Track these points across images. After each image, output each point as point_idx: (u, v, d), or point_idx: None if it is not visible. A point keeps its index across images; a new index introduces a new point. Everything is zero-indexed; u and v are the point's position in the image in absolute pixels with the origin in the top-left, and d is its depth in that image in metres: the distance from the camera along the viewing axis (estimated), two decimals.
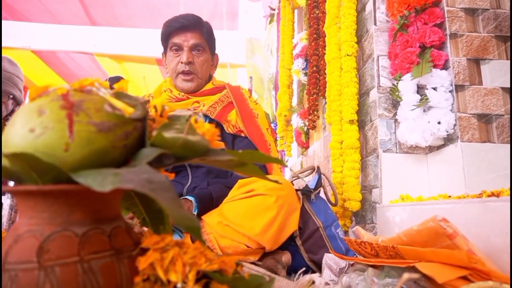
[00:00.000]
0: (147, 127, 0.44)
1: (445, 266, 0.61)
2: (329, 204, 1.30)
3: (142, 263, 0.39)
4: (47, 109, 0.38)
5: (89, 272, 0.36)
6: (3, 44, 3.67)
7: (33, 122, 0.37)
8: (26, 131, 0.37)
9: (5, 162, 0.37)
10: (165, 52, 1.36)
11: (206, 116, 1.30)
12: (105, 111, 0.39)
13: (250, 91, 3.78)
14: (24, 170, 0.36)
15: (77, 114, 0.38)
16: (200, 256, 0.43)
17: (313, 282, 0.72)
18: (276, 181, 0.57)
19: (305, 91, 2.40)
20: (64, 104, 0.38)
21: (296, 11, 2.93)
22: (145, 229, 0.55)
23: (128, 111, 0.40)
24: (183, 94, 1.32)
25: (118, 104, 0.40)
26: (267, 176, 0.55)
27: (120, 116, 0.40)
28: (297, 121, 2.56)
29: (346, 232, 1.52)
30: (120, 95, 0.43)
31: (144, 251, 0.42)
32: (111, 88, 0.46)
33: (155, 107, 0.49)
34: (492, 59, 1.24)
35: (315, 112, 2.19)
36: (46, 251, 0.35)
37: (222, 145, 0.48)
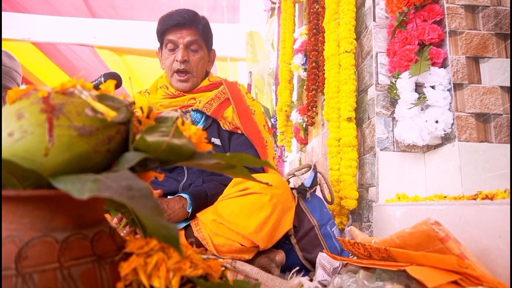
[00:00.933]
0: (131, 131, 0.43)
1: (435, 270, 0.60)
2: (325, 203, 1.29)
3: (125, 268, 0.39)
4: (26, 113, 0.37)
5: (69, 278, 0.36)
6: (2, 36, 3.66)
7: (12, 126, 0.36)
8: (5, 135, 0.36)
9: None
10: (161, 48, 1.34)
11: (202, 113, 1.29)
12: (86, 115, 0.38)
13: (249, 85, 3.75)
14: (3, 175, 0.36)
15: (58, 118, 0.37)
16: (185, 261, 0.42)
17: (302, 286, 0.72)
18: (266, 183, 0.56)
19: (304, 87, 2.39)
20: (45, 107, 0.37)
21: (297, 5, 2.90)
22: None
23: (111, 115, 0.39)
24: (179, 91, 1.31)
25: (100, 107, 0.39)
26: (259, 175, 0.55)
27: (102, 120, 0.40)
28: (296, 117, 2.55)
29: (342, 230, 1.51)
30: (103, 98, 0.42)
31: (128, 256, 0.41)
32: (97, 89, 0.45)
33: (141, 108, 0.48)
34: (491, 57, 1.22)
35: (313, 109, 2.18)
36: (24, 258, 0.35)
37: (210, 147, 0.47)
